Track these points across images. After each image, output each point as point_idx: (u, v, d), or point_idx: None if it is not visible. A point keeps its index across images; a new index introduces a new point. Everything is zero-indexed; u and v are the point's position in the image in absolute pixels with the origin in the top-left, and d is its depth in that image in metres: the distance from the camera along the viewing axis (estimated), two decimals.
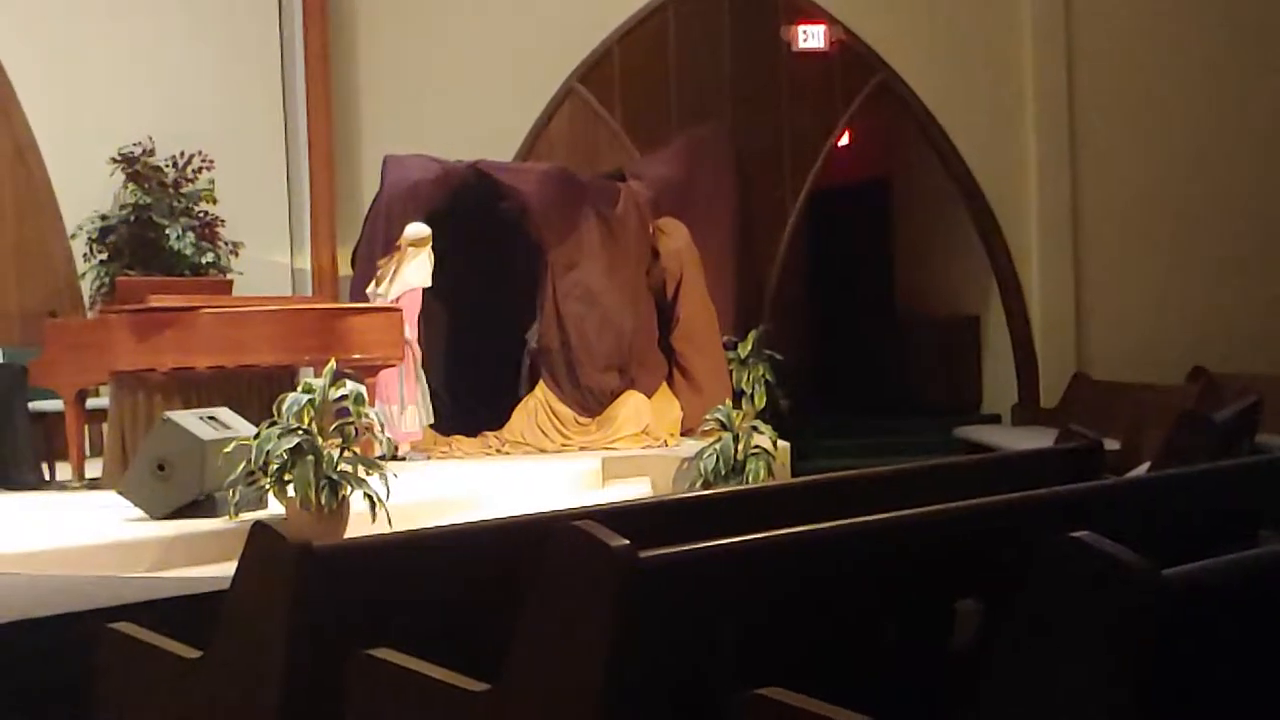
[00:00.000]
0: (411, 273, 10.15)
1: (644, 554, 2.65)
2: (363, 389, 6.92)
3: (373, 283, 10.42)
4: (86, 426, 9.45)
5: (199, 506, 7.01)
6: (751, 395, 11.28)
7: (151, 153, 11.57)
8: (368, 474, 6.69)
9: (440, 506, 7.67)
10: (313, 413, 6.62)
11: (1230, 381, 10.92)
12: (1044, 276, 13.42)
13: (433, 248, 10.25)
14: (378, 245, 10.99)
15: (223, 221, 11.70)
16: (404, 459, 9.92)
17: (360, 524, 6.50)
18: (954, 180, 13.53)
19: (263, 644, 3.15)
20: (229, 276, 11.22)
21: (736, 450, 9.15)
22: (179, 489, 7.00)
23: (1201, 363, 12.60)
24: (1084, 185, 13.50)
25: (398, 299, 10.03)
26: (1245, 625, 2.30)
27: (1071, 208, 13.47)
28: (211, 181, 11.66)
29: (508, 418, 10.89)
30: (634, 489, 9.39)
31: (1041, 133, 13.43)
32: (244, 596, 3.26)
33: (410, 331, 9.94)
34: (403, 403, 10.03)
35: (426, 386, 10.29)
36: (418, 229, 10.28)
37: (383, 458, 7.32)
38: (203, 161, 11.66)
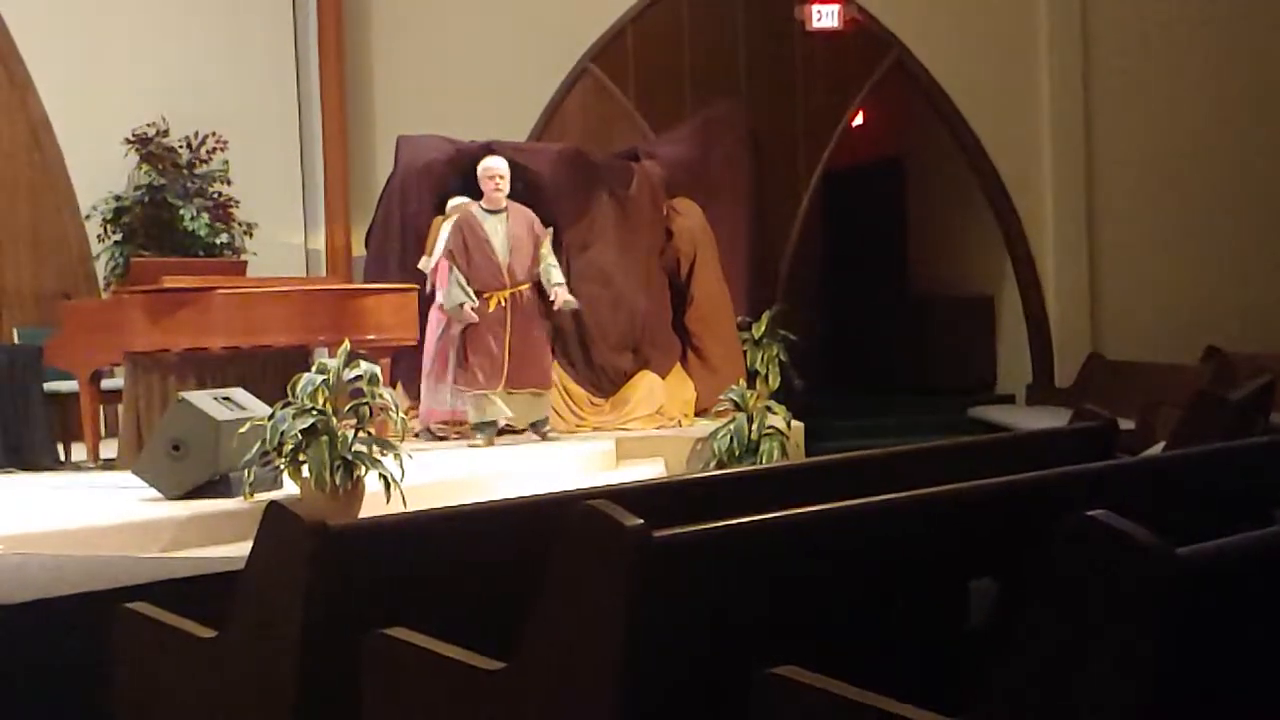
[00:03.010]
0: (440, 243, 10.18)
1: (658, 533, 2.65)
2: (377, 369, 6.93)
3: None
4: (102, 407, 9.48)
5: (214, 487, 7.03)
6: (765, 375, 11.27)
7: (165, 133, 11.60)
8: (382, 454, 6.70)
9: (454, 487, 7.68)
10: (327, 393, 6.63)
11: (1245, 361, 10.89)
12: (1058, 256, 13.39)
13: None
14: (392, 226, 10.99)
15: (237, 202, 11.72)
16: (444, 438, 10.04)
17: (375, 504, 6.51)
18: (968, 159, 13.50)
19: (277, 623, 3.16)
20: (243, 257, 11.24)
21: (750, 431, 9.15)
22: (194, 469, 7.01)
23: (1216, 342, 12.56)
24: (1098, 164, 13.46)
25: (434, 269, 10.11)
26: (1260, 603, 2.30)
27: (1086, 187, 13.43)
28: (225, 162, 11.68)
29: None
30: (648, 469, 9.40)
31: (1056, 111, 13.39)
32: (259, 576, 3.27)
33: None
34: (441, 378, 10.03)
35: None
36: (452, 201, 10.38)
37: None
38: (217, 142, 11.68)
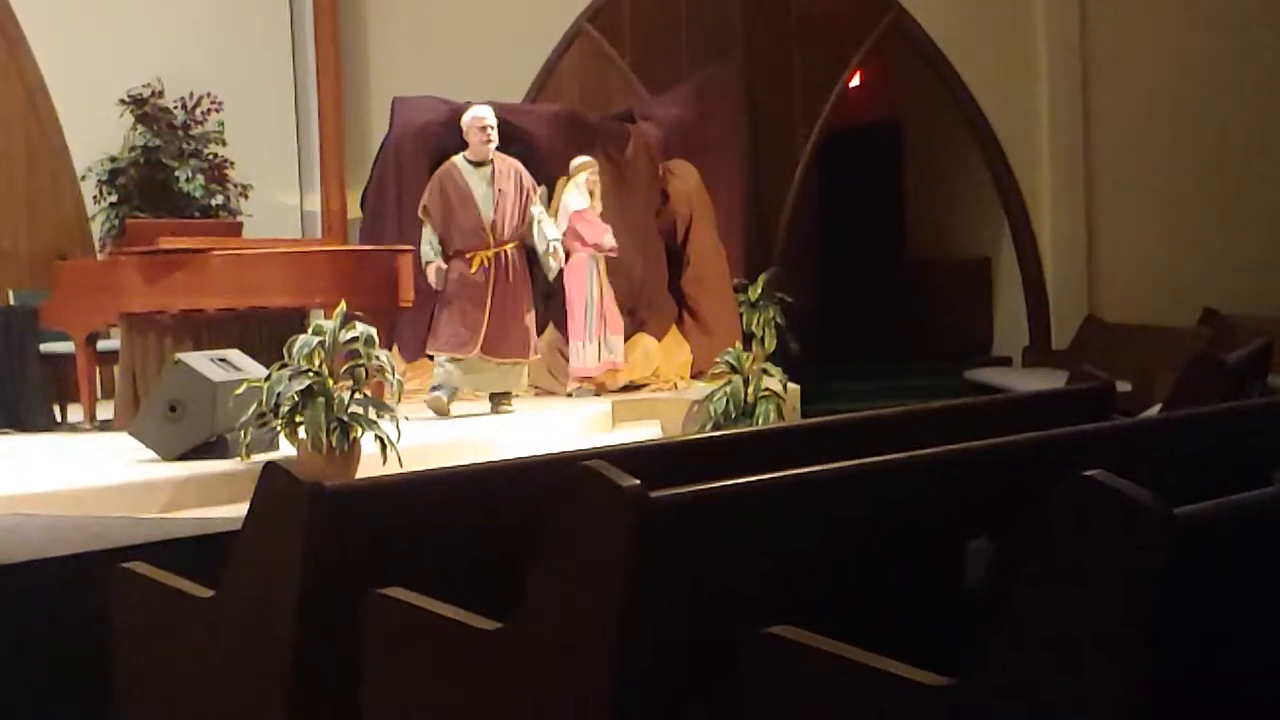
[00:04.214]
0: (569, 198, 10.33)
1: (655, 494, 2.65)
2: (373, 331, 6.92)
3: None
4: (98, 368, 9.47)
5: (210, 448, 7.03)
6: (761, 338, 11.28)
7: (160, 94, 11.55)
8: (379, 416, 6.70)
9: (450, 449, 7.68)
10: (323, 355, 6.63)
11: (1242, 323, 10.90)
12: (1056, 218, 13.38)
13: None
14: (387, 187, 10.95)
15: (232, 164, 11.69)
16: (570, 394, 10.19)
17: (371, 466, 6.52)
18: (965, 121, 13.46)
19: (275, 582, 3.16)
20: (238, 219, 11.22)
21: (746, 393, 9.16)
22: (190, 430, 7.01)
23: (1214, 305, 12.56)
24: (1096, 126, 13.43)
25: (565, 231, 10.05)
26: (1257, 564, 2.30)
27: (1084, 149, 13.40)
28: (221, 124, 11.65)
29: None
30: (644, 432, 9.40)
31: (1054, 73, 13.35)
32: (256, 536, 3.27)
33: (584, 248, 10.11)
34: (589, 334, 10.17)
35: (611, 316, 10.36)
36: (574, 161, 10.42)
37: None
38: (212, 103, 11.64)
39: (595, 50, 12.90)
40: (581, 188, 10.29)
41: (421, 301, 9.68)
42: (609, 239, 10.30)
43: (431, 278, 9.12)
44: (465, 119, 9.38)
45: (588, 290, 10.17)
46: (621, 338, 10.44)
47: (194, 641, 3.39)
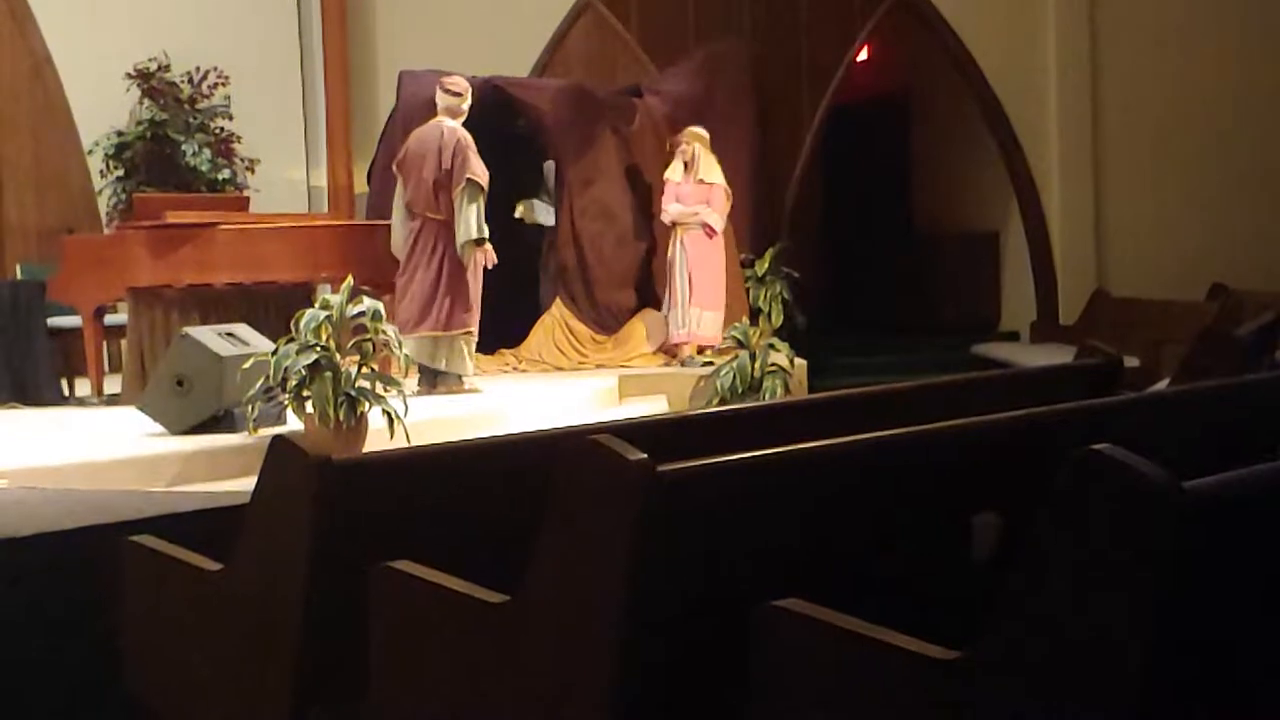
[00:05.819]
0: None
1: (662, 468, 2.65)
2: (380, 306, 6.93)
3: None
4: (105, 342, 9.49)
5: (218, 422, 7.05)
6: (768, 313, 11.28)
7: (167, 68, 11.55)
8: (386, 391, 6.71)
9: (457, 423, 7.70)
10: (330, 329, 6.63)
11: (1251, 298, 10.87)
12: (1064, 192, 13.33)
13: None
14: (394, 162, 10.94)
15: (239, 138, 11.69)
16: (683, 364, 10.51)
17: (378, 440, 6.53)
18: (973, 95, 13.42)
19: (282, 556, 3.16)
20: (245, 193, 11.22)
21: (753, 368, 9.15)
22: (198, 405, 7.03)
23: (1222, 279, 12.53)
24: (1105, 100, 13.38)
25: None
26: (1267, 537, 2.30)
27: (1092, 123, 13.36)
28: (227, 98, 11.64)
29: (525, 335, 10.89)
30: (650, 406, 9.41)
31: (1062, 47, 13.29)
32: (264, 510, 3.27)
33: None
34: (672, 304, 10.56)
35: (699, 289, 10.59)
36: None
37: None
38: (218, 77, 11.64)
39: (602, 24, 12.86)
40: (675, 158, 10.73)
41: None
42: (667, 215, 10.64)
43: (493, 258, 8.96)
44: (465, 88, 9.22)
45: (672, 262, 10.60)
46: (713, 314, 10.62)
47: (202, 615, 3.40)
